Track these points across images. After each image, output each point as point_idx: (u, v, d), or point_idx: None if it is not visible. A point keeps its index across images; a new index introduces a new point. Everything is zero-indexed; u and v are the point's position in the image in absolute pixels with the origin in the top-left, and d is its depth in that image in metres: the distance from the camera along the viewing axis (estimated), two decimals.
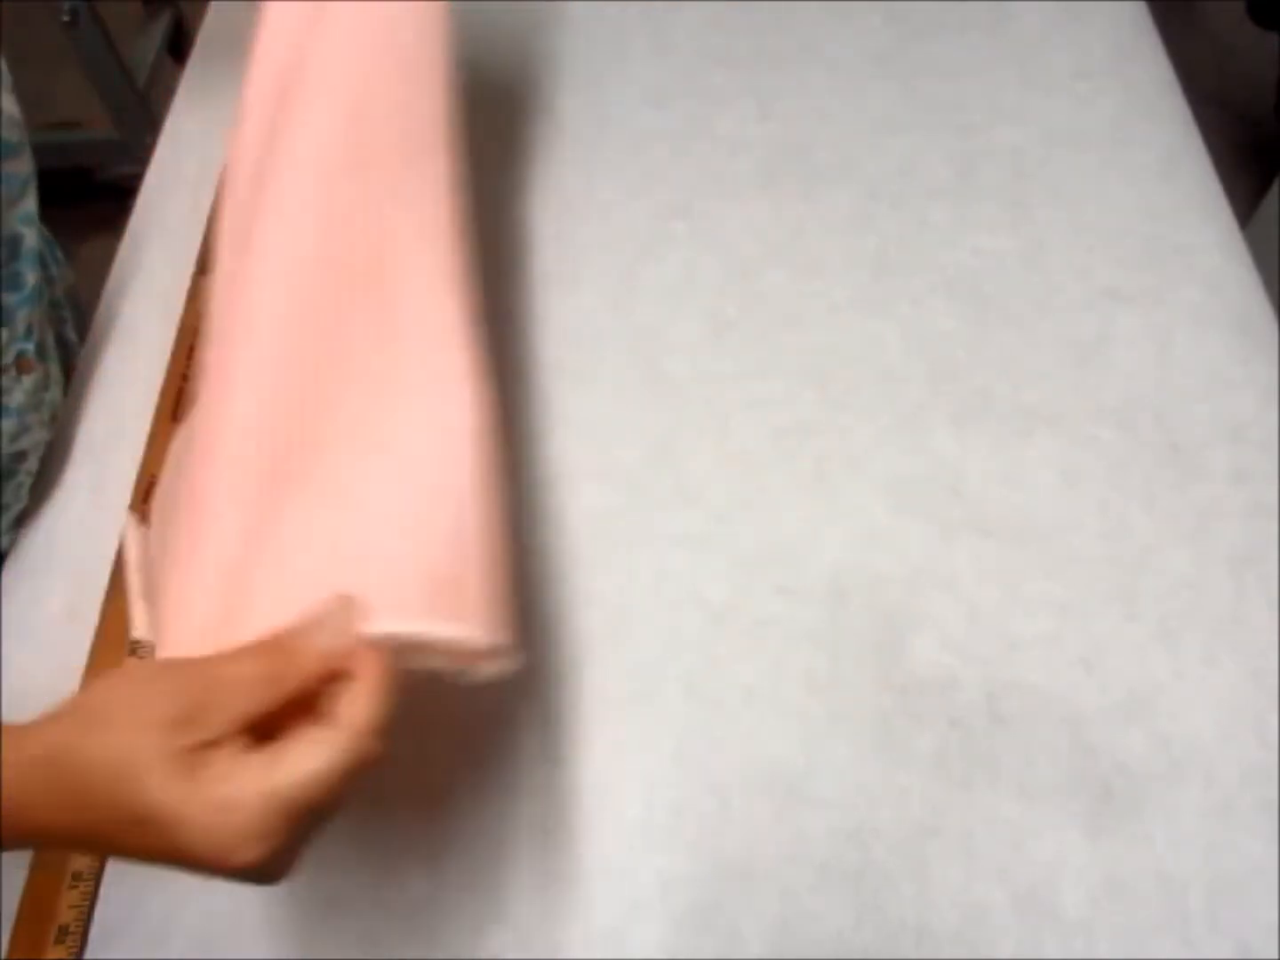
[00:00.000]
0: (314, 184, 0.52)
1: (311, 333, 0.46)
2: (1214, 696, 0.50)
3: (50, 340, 0.59)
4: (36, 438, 0.60)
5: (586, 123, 0.74)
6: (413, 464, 0.42)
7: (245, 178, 0.55)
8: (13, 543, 0.60)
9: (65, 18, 1.41)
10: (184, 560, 0.41)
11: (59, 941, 0.47)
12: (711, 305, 0.64)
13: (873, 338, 0.62)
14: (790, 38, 0.77)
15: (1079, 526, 0.55)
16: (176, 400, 0.63)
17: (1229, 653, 0.51)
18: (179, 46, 1.72)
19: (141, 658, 0.54)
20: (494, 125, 0.74)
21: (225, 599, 0.38)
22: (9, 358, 0.57)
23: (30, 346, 0.58)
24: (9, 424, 0.57)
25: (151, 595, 0.43)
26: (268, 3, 0.60)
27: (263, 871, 0.32)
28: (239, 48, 0.83)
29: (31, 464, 0.60)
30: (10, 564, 0.59)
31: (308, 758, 0.32)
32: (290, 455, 0.43)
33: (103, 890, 0.49)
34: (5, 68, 0.55)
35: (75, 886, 0.48)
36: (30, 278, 0.57)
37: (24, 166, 0.57)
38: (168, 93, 0.82)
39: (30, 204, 0.57)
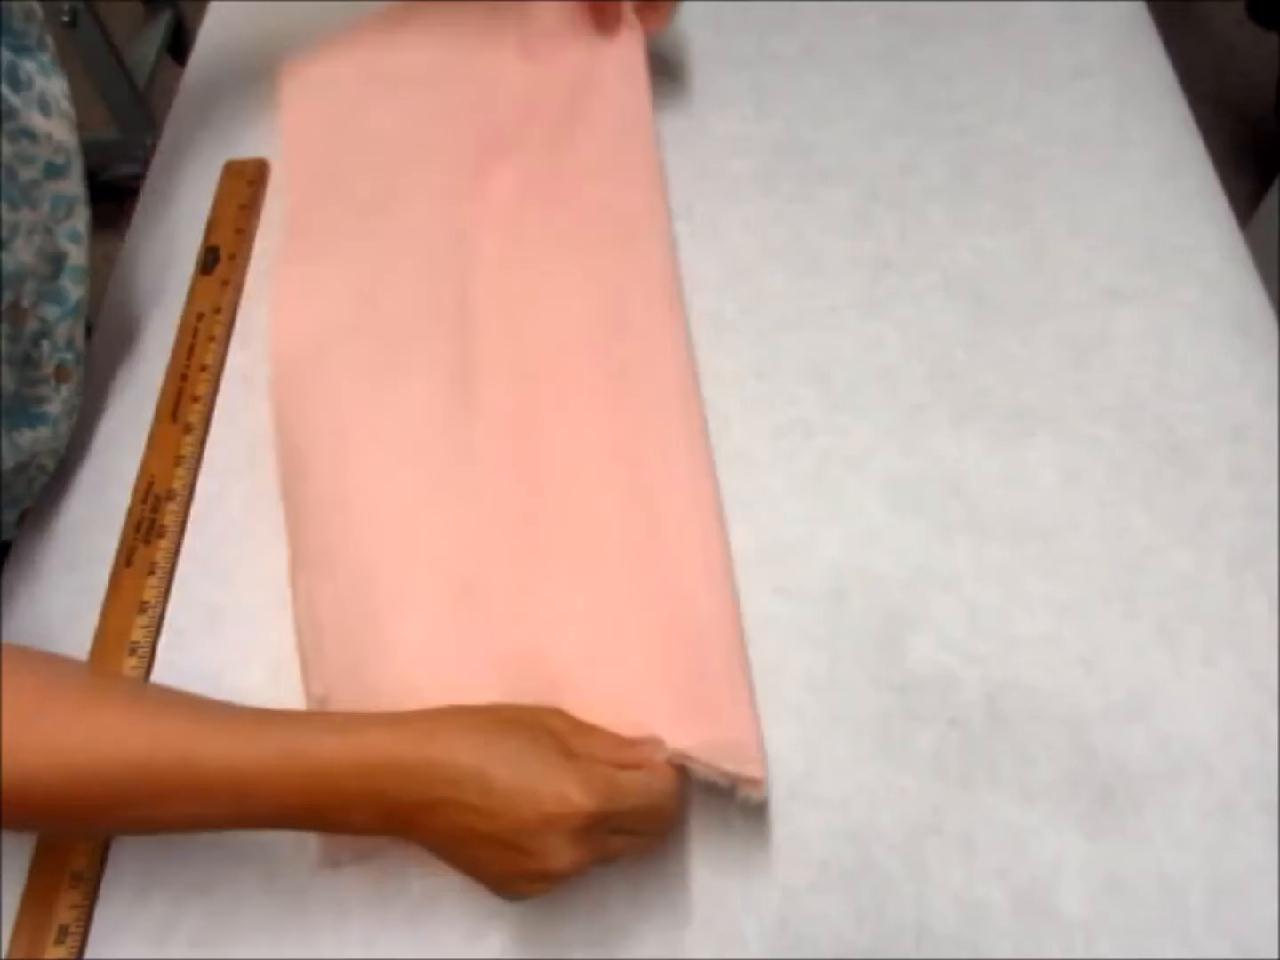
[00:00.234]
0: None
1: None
2: (1214, 696, 0.50)
3: (82, 347, 0.60)
4: (64, 440, 0.60)
5: None
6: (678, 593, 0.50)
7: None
8: (15, 539, 0.60)
9: (65, 18, 1.41)
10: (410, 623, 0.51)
11: (59, 941, 0.47)
12: (711, 305, 0.64)
13: (873, 338, 0.62)
14: (790, 38, 0.77)
15: (1079, 526, 0.55)
16: (176, 400, 0.63)
17: (1229, 653, 0.51)
18: (179, 46, 1.72)
19: (140, 657, 0.54)
20: None
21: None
22: (49, 368, 0.57)
23: (70, 356, 0.59)
24: (45, 430, 0.58)
25: (322, 649, 0.51)
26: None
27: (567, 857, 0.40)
28: (239, 48, 0.84)
29: (49, 463, 0.60)
30: (10, 564, 0.59)
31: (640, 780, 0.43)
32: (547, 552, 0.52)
33: (103, 890, 0.49)
34: (61, 94, 0.56)
35: (75, 886, 0.48)
36: (74, 293, 0.58)
37: (72, 187, 0.57)
38: (168, 93, 0.82)
39: (77, 223, 0.58)
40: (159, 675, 0.54)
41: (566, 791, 0.40)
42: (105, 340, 0.67)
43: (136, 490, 0.60)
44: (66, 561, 0.59)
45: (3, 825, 0.42)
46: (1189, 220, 0.66)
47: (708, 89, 0.75)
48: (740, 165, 0.71)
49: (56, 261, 0.57)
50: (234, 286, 0.68)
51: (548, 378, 0.58)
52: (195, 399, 0.63)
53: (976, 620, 0.53)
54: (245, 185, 0.73)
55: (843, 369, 0.61)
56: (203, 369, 0.64)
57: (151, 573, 0.57)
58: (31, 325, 0.56)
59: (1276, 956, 0.44)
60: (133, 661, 0.54)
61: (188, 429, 0.62)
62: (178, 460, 0.61)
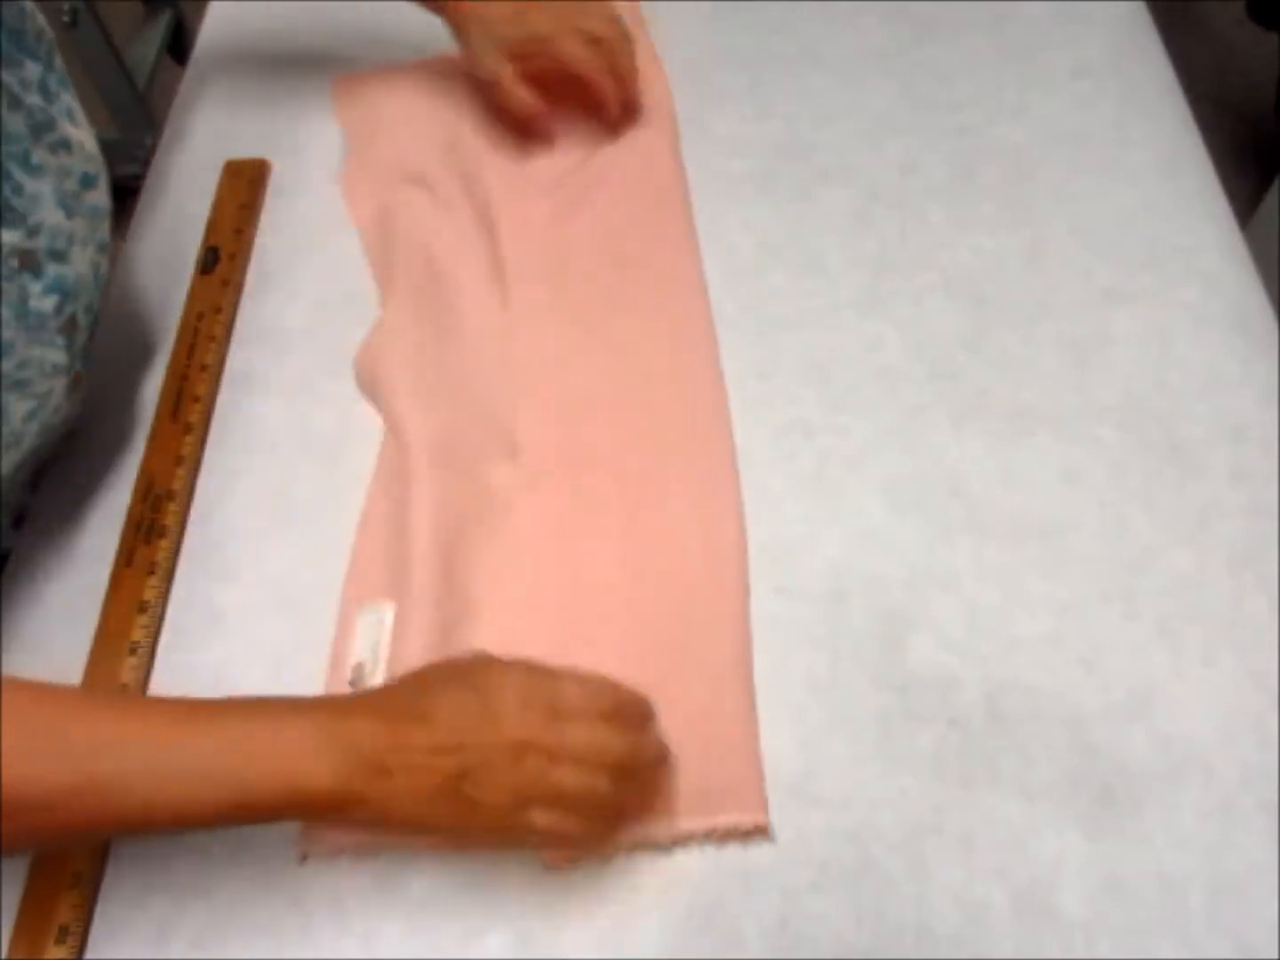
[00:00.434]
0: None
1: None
2: (1214, 696, 0.50)
3: (91, 353, 0.61)
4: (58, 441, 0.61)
5: None
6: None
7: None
8: (13, 542, 0.60)
9: (65, 18, 1.41)
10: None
11: (59, 941, 0.47)
12: (712, 305, 0.64)
13: (873, 338, 0.62)
14: (790, 38, 0.77)
15: (1079, 526, 0.55)
16: (176, 400, 0.63)
17: (1229, 653, 0.51)
18: (179, 46, 1.72)
19: (140, 657, 0.54)
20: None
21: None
22: (70, 379, 0.58)
23: (84, 363, 0.60)
24: (56, 434, 0.59)
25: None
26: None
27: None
28: (239, 48, 0.84)
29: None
30: (10, 564, 0.59)
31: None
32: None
33: (103, 890, 0.49)
34: (78, 106, 0.57)
35: (75, 886, 0.48)
36: (97, 303, 0.59)
37: (102, 198, 0.58)
38: (168, 93, 0.82)
39: (107, 233, 0.59)
40: (159, 675, 0.55)
41: (498, 688, 0.43)
42: (105, 340, 0.66)
43: (136, 490, 0.60)
44: (66, 561, 0.59)
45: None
46: (1189, 220, 0.66)
47: (708, 89, 0.75)
48: (740, 165, 0.71)
49: (98, 272, 0.58)
50: (234, 286, 0.68)
51: (589, 426, 0.60)
52: (195, 399, 0.63)
53: (976, 620, 0.53)
54: (245, 185, 0.73)
55: (843, 369, 0.61)
56: (203, 369, 0.64)
57: (151, 573, 0.57)
58: (79, 338, 0.57)
59: (1276, 957, 0.44)
60: (133, 661, 0.54)
61: (188, 429, 0.62)
62: (178, 460, 0.61)
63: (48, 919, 0.48)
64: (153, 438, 0.62)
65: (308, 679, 0.53)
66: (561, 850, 0.47)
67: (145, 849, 0.50)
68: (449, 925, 0.47)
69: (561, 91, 0.69)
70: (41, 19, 0.54)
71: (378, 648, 0.53)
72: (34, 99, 0.52)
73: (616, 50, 0.67)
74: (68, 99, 0.55)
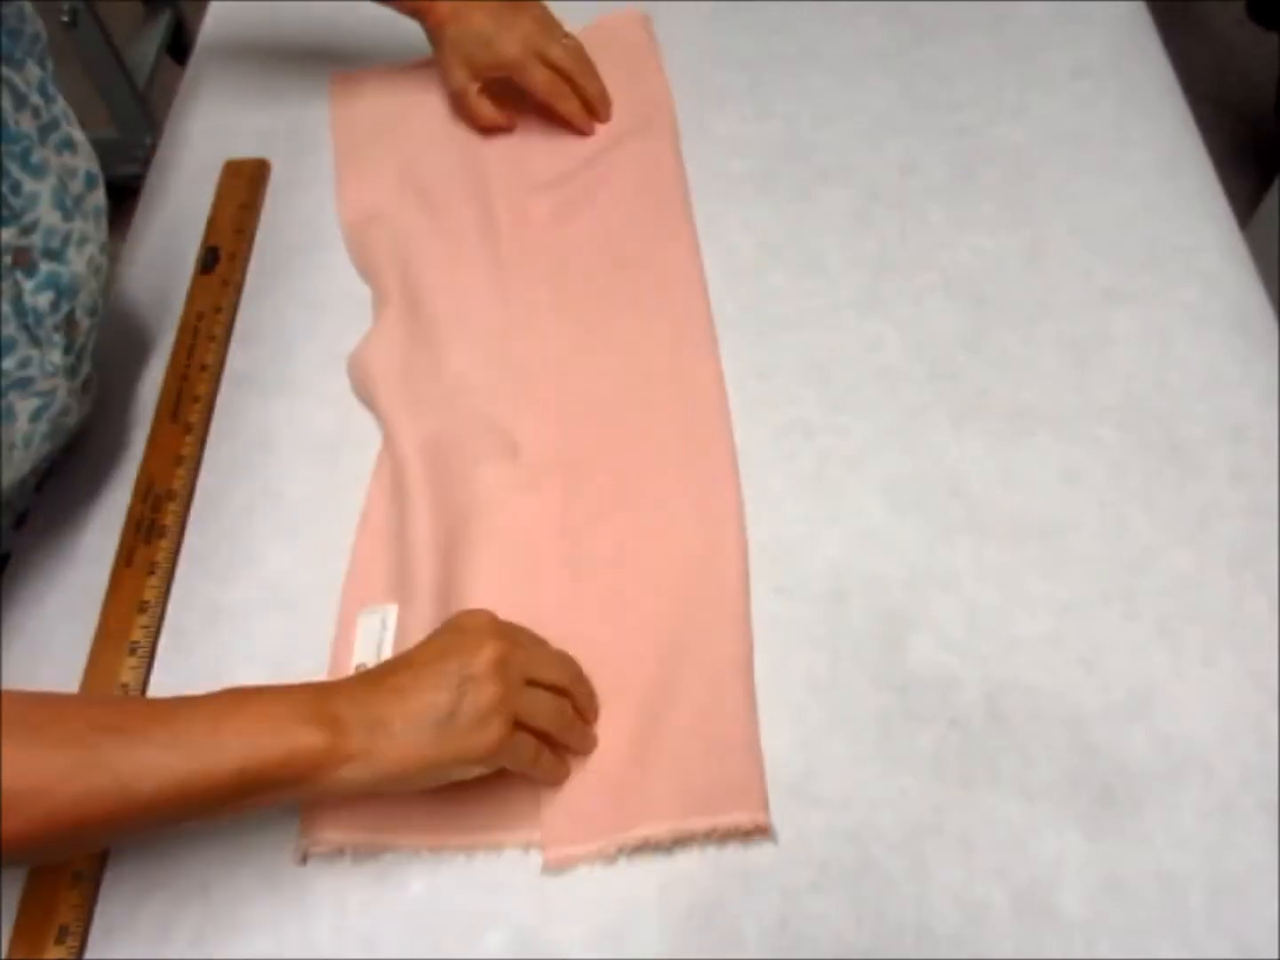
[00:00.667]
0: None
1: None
2: (1214, 696, 0.50)
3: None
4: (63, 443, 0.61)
5: None
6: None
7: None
8: (14, 543, 0.60)
9: (65, 18, 1.41)
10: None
11: (59, 941, 0.47)
12: (712, 305, 0.64)
13: (873, 338, 0.62)
14: (790, 38, 0.77)
15: (1079, 526, 0.55)
16: (176, 400, 0.63)
17: (1229, 653, 0.51)
18: (179, 46, 1.72)
19: (140, 657, 0.54)
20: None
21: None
22: (79, 380, 0.58)
23: (91, 366, 0.60)
24: (66, 437, 0.59)
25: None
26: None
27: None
28: (239, 48, 0.84)
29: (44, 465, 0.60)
30: (10, 564, 0.59)
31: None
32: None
33: (103, 890, 0.49)
34: (69, 108, 0.57)
35: (75, 886, 0.48)
36: (101, 303, 0.59)
37: (102, 198, 0.59)
38: (168, 93, 0.82)
39: (106, 233, 0.59)
40: (159, 675, 0.55)
41: (471, 623, 0.47)
42: (105, 340, 0.66)
43: (136, 490, 0.60)
44: (66, 561, 0.59)
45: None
46: (1189, 220, 0.66)
47: (708, 89, 0.75)
48: (740, 165, 0.71)
49: (98, 272, 0.58)
50: (234, 286, 0.68)
51: (588, 426, 0.60)
52: (195, 399, 0.63)
53: (976, 620, 0.53)
54: (245, 185, 0.73)
55: (843, 369, 0.61)
56: (203, 369, 0.64)
57: (151, 573, 0.57)
58: (80, 338, 0.57)
59: (1276, 957, 0.44)
60: (132, 661, 0.54)
61: (188, 429, 0.62)
62: (178, 460, 0.61)
63: (48, 919, 0.48)
64: (153, 438, 0.62)
65: (307, 679, 0.52)
66: (543, 781, 0.48)
67: (145, 849, 0.50)
68: (449, 925, 0.47)
69: (533, 102, 0.72)
70: (39, 21, 0.54)
71: (380, 648, 0.53)
72: (36, 99, 0.53)
73: (578, 75, 0.70)
74: (63, 100, 0.56)
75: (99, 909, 0.49)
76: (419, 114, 0.75)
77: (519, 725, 0.45)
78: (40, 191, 0.52)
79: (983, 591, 0.53)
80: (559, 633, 0.51)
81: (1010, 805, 0.48)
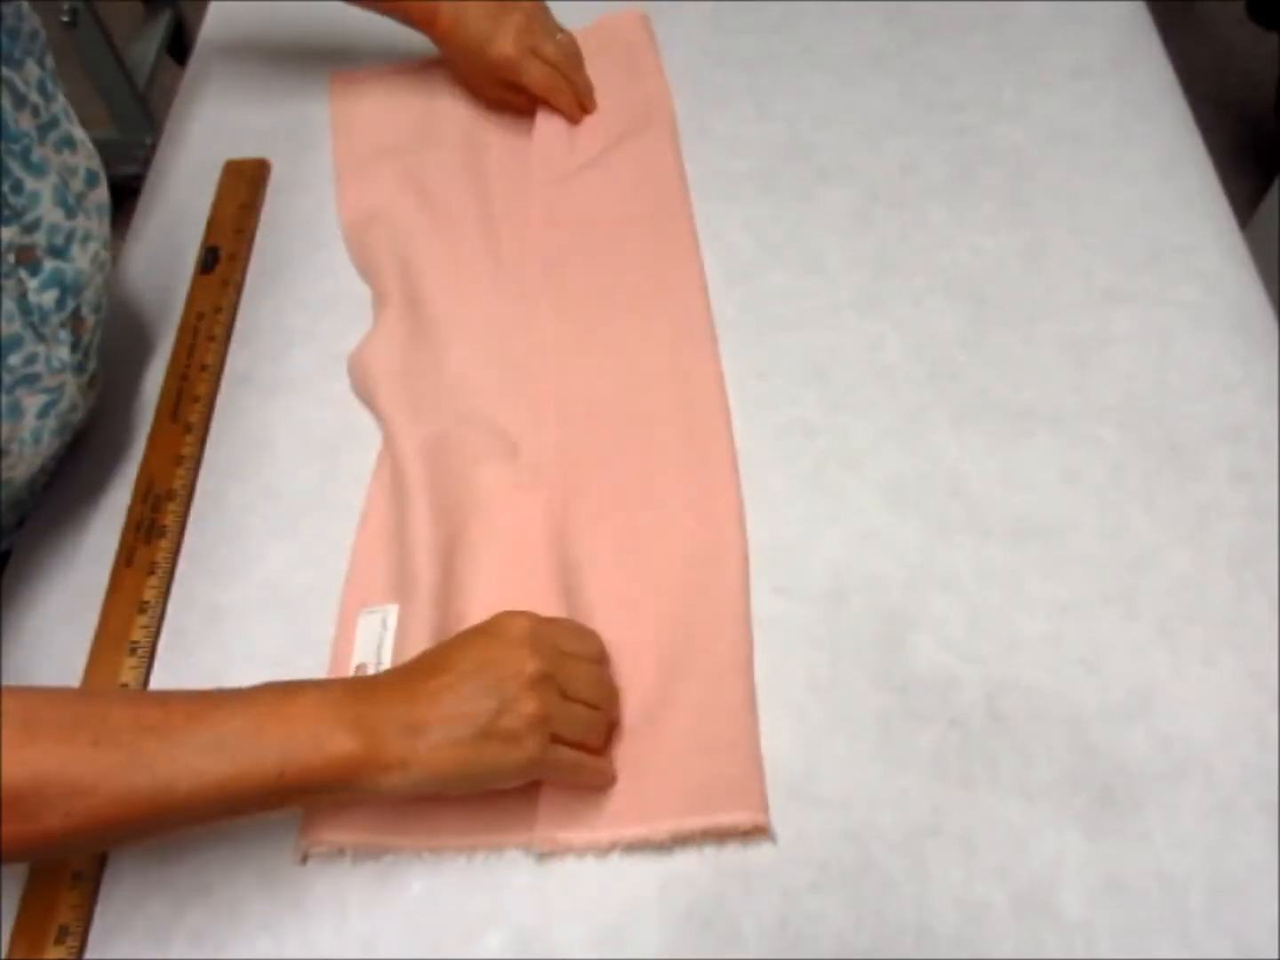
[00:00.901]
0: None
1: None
2: (1214, 696, 0.50)
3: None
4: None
5: None
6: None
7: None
8: (14, 543, 0.60)
9: (65, 18, 1.41)
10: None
11: (59, 941, 0.47)
12: (712, 305, 0.64)
13: (873, 338, 0.62)
14: (790, 38, 0.77)
15: (1079, 526, 0.55)
16: (176, 400, 0.63)
17: (1229, 653, 0.51)
18: (179, 46, 1.72)
19: (140, 657, 0.54)
20: None
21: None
22: (86, 376, 0.58)
23: (97, 363, 0.60)
24: (73, 433, 0.60)
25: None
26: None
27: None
28: (239, 48, 0.84)
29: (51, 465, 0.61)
30: (11, 564, 0.59)
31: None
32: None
33: (103, 890, 0.49)
34: (69, 105, 0.57)
35: (75, 886, 0.48)
36: (104, 299, 0.60)
37: (105, 194, 0.59)
38: (168, 93, 0.82)
39: (109, 229, 0.59)
40: (159, 675, 0.55)
41: (512, 631, 0.47)
42: (106, 340, 0.66)
43: (136, 490, 0.60)
44: (66, 561, 0.59)
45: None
46: (1189, 220, 0.66)
47: (708, 89, 0.75)
48: (740, 165, 0.71)
49: (103, 269, 0.58)
50: (234, 286, 0.68)
51: (588, 426, 0.60)
52: (195, 399, 0.63)
53: (976, 620, 0.53)
54: (245, 185, 0.73)
55: (843, 369, 0.61)
56: (203, 369, 0.64)
57: (151, 573, 0.57)
58: (86, 335, 0.57)
59: (1276, 957, 0.44)
60: (132, 661, 0.54)
61: (188, 429, 0.62)
62: (178, 460, 0.61)
63: (48, 919, 0.48)
64: (153, 438, 0.62)
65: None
66: (579, 788, 0.48)
67: (145, 849, 0.50)
68: (449, 925, 0.47)
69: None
70: (36, 19, 0.54)
71: (380, 649, 0.53)
72: (36, 98, 0.53)
73: (571, 70, 0.72)
74: (62, 98, 0.56)
75: (99, 909, 0.49)
76: (419, 114, 0.75)
77: (555, 739, 0.46)
78: (42, 190, 0.52)
79: (983, 591, 0.53)
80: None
81: (1010, 805, 0.48)
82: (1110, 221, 0.66)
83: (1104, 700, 0.50)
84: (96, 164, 0.58)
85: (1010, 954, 0.45)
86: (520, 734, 0.44)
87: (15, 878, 0.49)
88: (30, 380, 0.53)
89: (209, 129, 0.78)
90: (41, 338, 0.53)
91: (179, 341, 0.66)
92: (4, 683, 0.53)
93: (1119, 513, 0.55)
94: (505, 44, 0.69)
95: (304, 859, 0.49)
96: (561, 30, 0.72)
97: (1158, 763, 0.48)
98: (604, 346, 0.62)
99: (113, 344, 0.66)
